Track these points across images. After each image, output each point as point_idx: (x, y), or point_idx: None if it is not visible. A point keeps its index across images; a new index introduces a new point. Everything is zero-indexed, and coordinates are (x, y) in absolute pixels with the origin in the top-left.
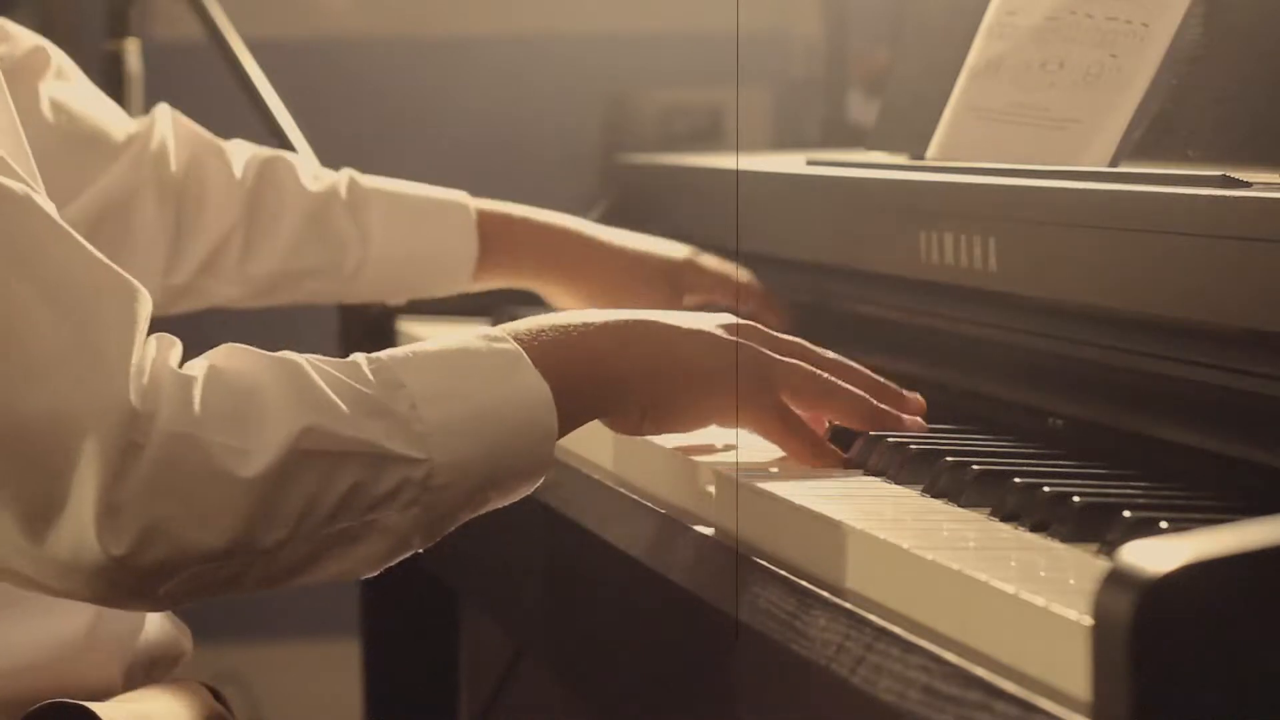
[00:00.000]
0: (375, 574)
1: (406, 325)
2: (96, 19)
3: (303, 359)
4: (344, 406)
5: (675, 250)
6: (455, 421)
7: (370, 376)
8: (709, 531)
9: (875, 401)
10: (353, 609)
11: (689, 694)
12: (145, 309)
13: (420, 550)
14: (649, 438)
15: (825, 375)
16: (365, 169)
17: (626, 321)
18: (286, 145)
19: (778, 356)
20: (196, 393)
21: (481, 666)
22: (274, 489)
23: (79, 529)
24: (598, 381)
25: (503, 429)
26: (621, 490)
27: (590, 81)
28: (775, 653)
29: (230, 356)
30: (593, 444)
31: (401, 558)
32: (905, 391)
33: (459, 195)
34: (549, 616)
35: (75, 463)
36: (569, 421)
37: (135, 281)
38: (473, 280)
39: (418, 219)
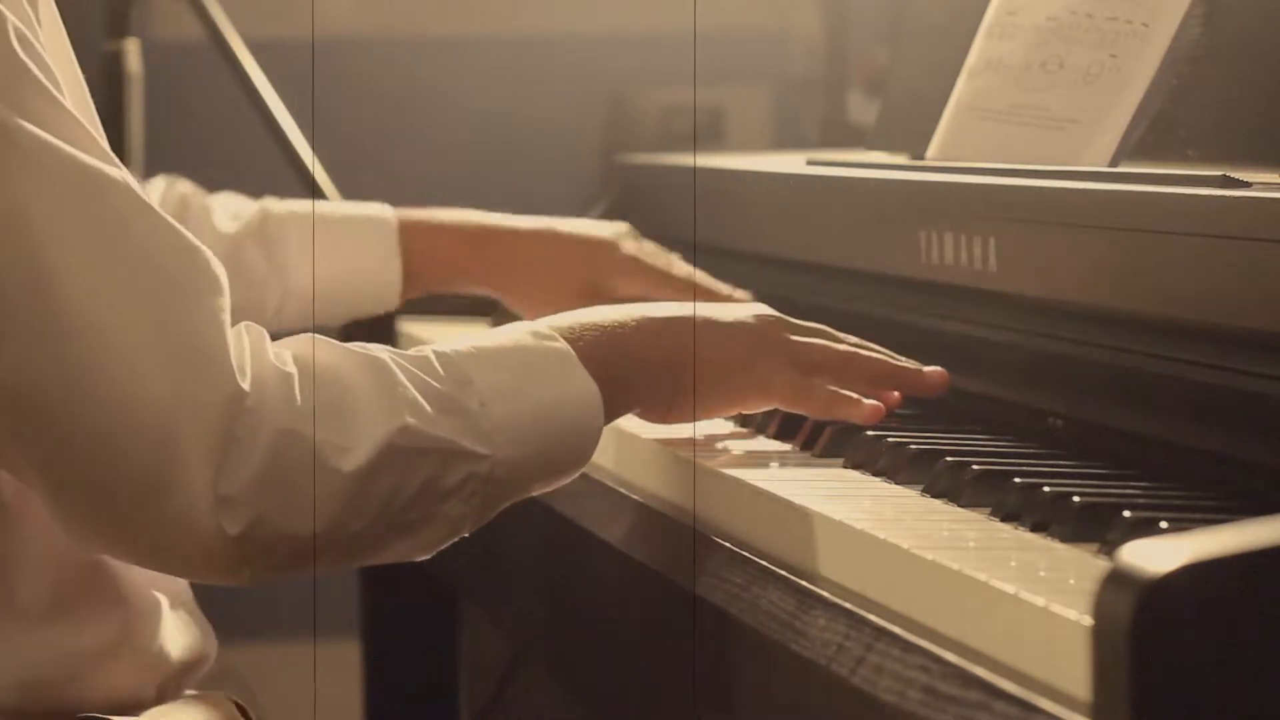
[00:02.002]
0: (427, 557)
1: (407, 326)
2: (96, 19)
3: (384, 354)
4: (427, 405)
5: (601, 230)
6: (517, 418)
7: (441, 372)
8: (708, 531)
9: (896, 364)
10: (353, 609)
11: (689, 694)
12: (228, 298)
13: (467, 535)
14: (648, 437)
15: (845, 347)
16: (365, 169)
17: (657, 319)
18: (286, 145)
19: (799, 339)
20: (298, 389)
21: (481, 666)
22: (366, 481)
23: (187, 514)
24: (634, 378)
25: (558, 426)
26: (621, 490)
27: (590, 81)
28: (775, 653)
29: (321, 352)
30: None
31: (451, 542)
32: (925, 367)
33: (378, 209)
34: (548, 617)
35: (183, 453)
36: (609, 416)
37: (217, 266)
38: (403, 295)
39: (334, 240)
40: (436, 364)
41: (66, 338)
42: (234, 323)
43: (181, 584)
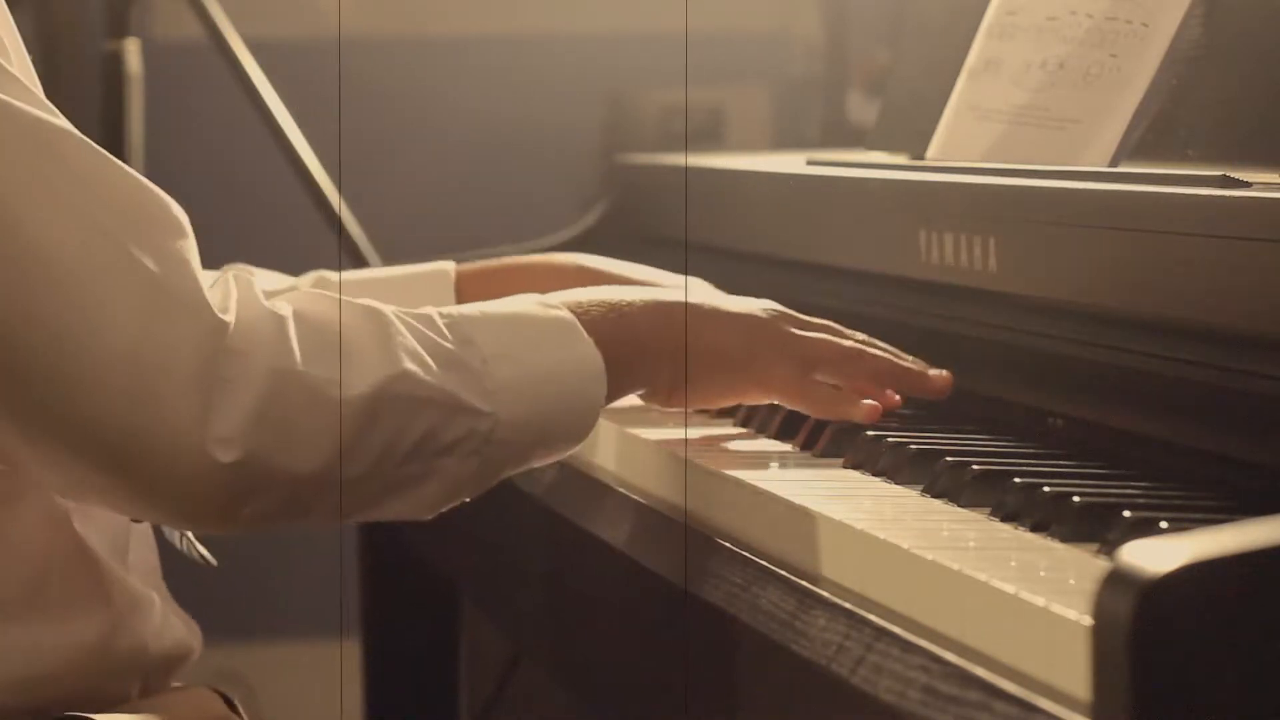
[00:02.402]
0: (429, 517)
1: None
2: (96, 19)
3: (385, 308)
4: (427, 356)
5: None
6: (520, 380)
7: (444, 329)
8: (708, 532)
9: (901, 363)
10: (353, 609)
11: (689, 694)
12: (191, 237)
13: (468, 499)
14: (647, 437)
15: (849, 344)
16: (365, 169)
17: (665, 302)
18: (286, 145)
19: (803, 333)
20: (291, 330)
21: (481, 666)
22: (363, 424)
23: (174, 451)
24: (636, 357)
25: (561, 391)
26: (621, 490)
27: (590, 81)
28: (775, 653)
29: (316, 301)
30: (593, 444)
31: (451, 504)
32: (930, 370)
33: (439, 264)
34: (549, 616)
35: (162, 391)
36: (611, 392)
37: (178, 209)
38: None
39: (394, 291)
40: (440, 322)
41: (35, 285)
42: None
43: (158, 578)
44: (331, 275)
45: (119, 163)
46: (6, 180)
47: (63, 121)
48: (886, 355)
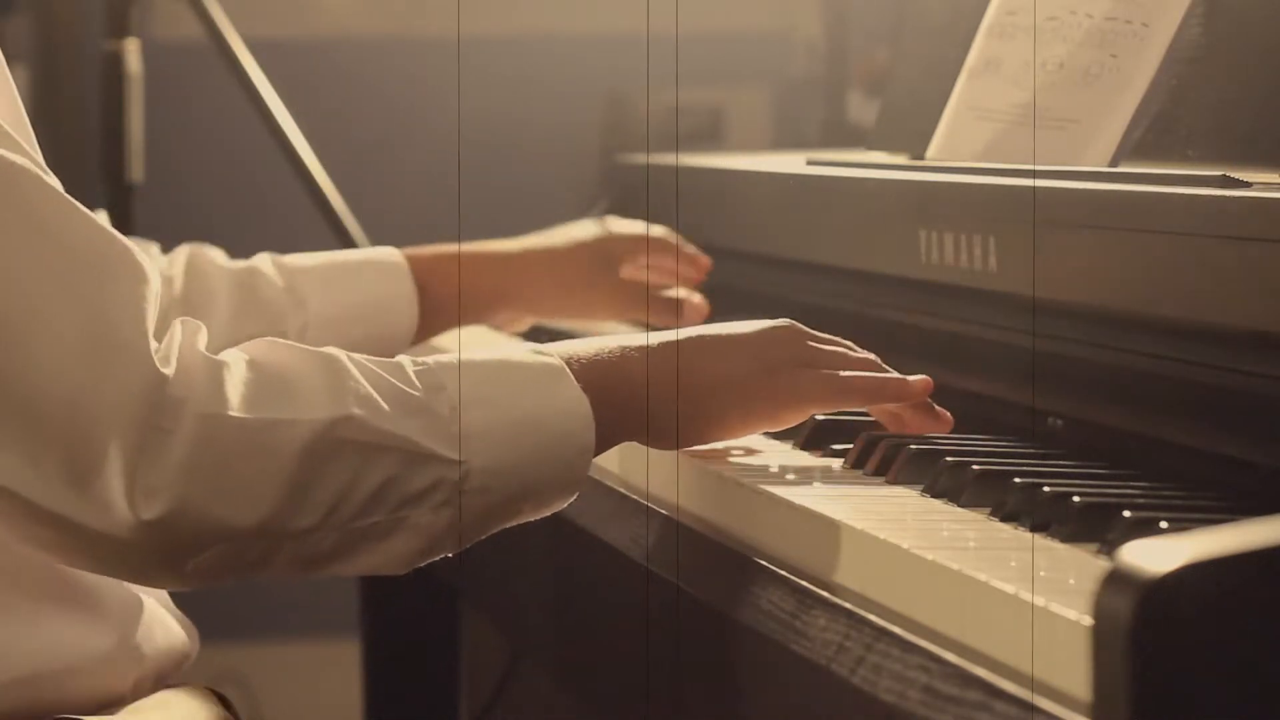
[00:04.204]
0: (404, 573)
1: None
2: (96, 19)
3: (343, 354)
4: (382, 401)
5: (590, 230)
6: (495, 427)
7: (413, 378)
8: (708, 532)
9: (909, 380)
10: (353, 609)
11: (689, 694)
12: (154, 287)
13: (450, 555)
14: None
15: (863, 354)
16: (365, 169)
17: (669, 343)
18: (286, 145)
19: (818, 345)
20: (228, 376)
21: (481, 666)
22: (305, 472)
23: (111, 503)
24: (633, 404)
25: (542, 439)
26: (622, 491)
27: (590, 81)
28: (775, 653)
29: (269, 349)
30: None
31: (431, 560)
32: (937, 408)
33: (386, 250)
34: (549, 617)
35: (102, 446)
36: (603, 441)
37: (142, 256)
38: (422, 327)
39: (350, 276)
40: (409, 370)
41: None
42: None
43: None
44: (281, 258)
45: (80, 208)
46: None
47: (26, 160)
48: (894, 375)
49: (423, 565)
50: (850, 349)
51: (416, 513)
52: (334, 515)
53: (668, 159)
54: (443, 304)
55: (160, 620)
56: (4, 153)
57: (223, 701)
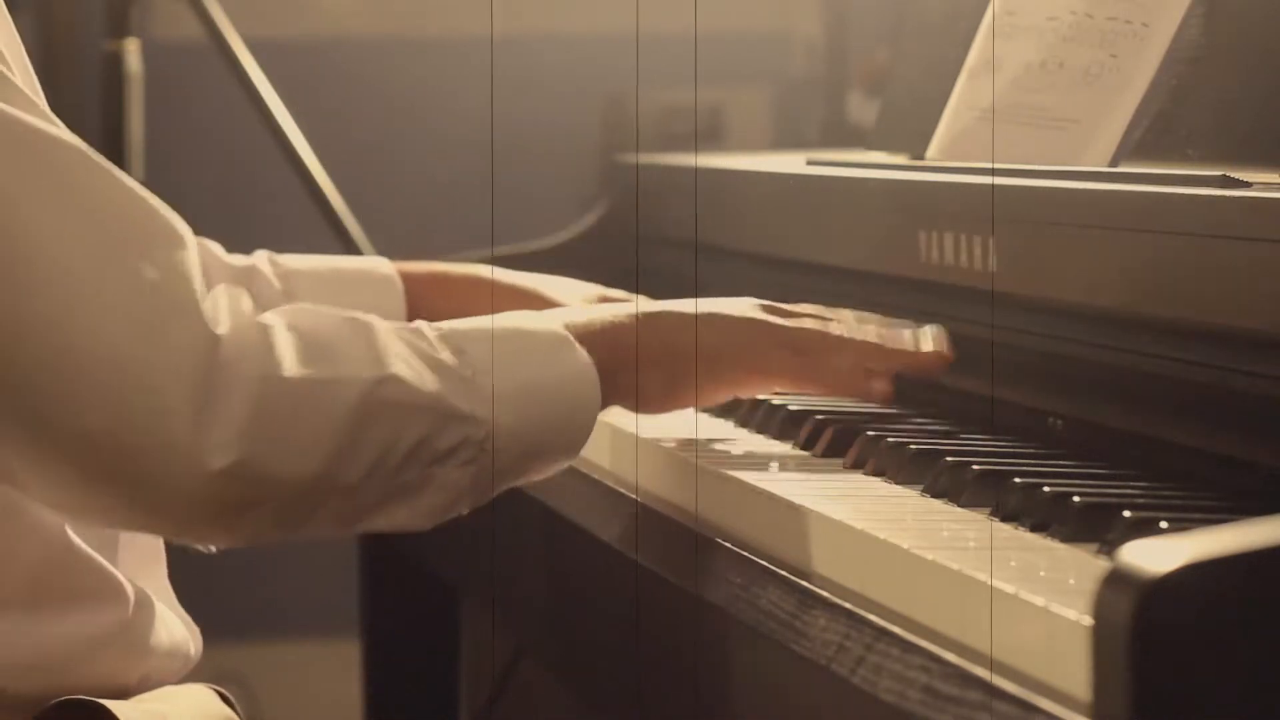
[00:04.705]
0: (427, 528)
1: None
2: (96, 19)
3: (370, 317)
4: (417, 362)
5: (584, 291)
6: (513, 390)
7: (433, 339)
8: (709, 532)
9: (887, 345)
10: (353, 609)
11: (689, 694)
12: (196, 253)
13: (466, 513)
14: (647, 437)
15: (836, 331)
16: (365, 169)
17: (654, 313)
18: (286, 145)
19: (790, 323)
20: (276, 337)
21: (481, 666)
22: (354, 429)
23: (169, 460)
24: (623, 371)
25: (553, 402)
26: (621, 490)
27: (590, 81)
28: (775, 653)
29: (300, 314)
30: (591, 444)
31: (451, 516)
32: (923, 347)
33: (381, 262)
34: (549, 616)
35: (167, 405)
36: (603, 404)
37: (180, 221)
38: None
39: (344, 286)
40: (428, 333)
41: (36, 294)
42: None
43: (163, 581)
44: (278, 258)
45: (121, 174)
46: (7, 191)
47: (65, 133)
48: (873, 342)
49: (422, 565)
50: (822, 316)
51: (444, 470)
52: (376, 471)
53: (666, 159)
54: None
55: (166, 620)
56: (45, 126)
57: (225, 701)
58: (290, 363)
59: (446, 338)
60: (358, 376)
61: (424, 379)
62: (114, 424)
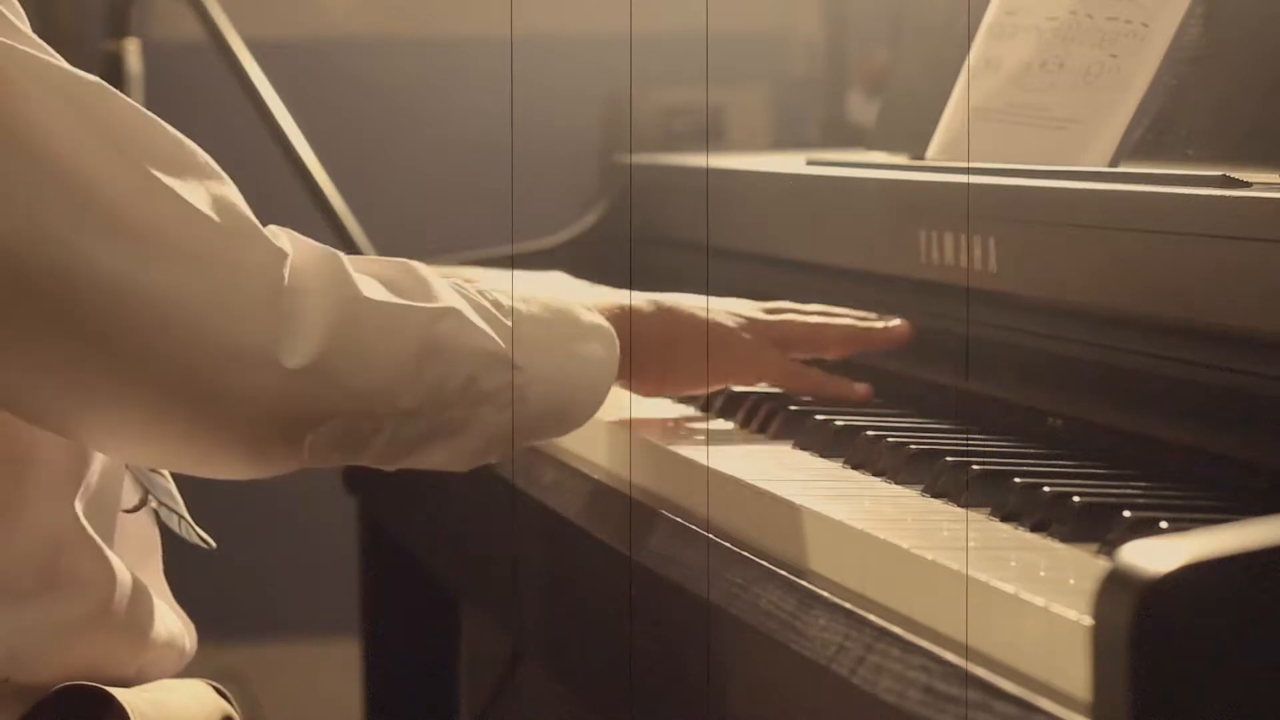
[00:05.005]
0: (464, 471)
1: None
2: (96, 19)
3: (413, 262)
4: (467, 306)
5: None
6: (544, 343)
7: (474, 292)
8: (709, 531)
9: (861, 325)
10: (353, 609)
11: (689, 694)
12: (228, 179)
13: (494, 461)
14: (648, 437)
15: (811, 320)
16: (365, 169)
17: (665, 306)
18: (286, 145)
19: (766, 316)
20: (348, 264)
21: (481, 666)
22: (420, 356)
23: (250, 362)
24: (625, 355)
25: (581, 367)
26: (621, 490)
27: (590, 81)
28: (775, 653)
29: (350, 258)
30: (589, 443)
31: (482, 462)
32: (889, 321)
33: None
34: (548, 617)
35: (240, 315)
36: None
37: (209, 159)
38: None
39: None
40: (468, 287)
41: (100, 233)
42: None
43: (159, 575)
44: None
45: (153, 115)
46: (57, 135)
47: (95, 77)
48: (846, 322)
49: (423, 566)
50: (796, 309)
51: (486, 411)
52: (430, 402)
53: (666, 159)
54: None
55: (163, 613)
56: (74, 71)
57: (222, 696)
58: (365, 286)
59: (484, 293)
60: (425, 307)
61: (478, 319)
62: (194, 337)
